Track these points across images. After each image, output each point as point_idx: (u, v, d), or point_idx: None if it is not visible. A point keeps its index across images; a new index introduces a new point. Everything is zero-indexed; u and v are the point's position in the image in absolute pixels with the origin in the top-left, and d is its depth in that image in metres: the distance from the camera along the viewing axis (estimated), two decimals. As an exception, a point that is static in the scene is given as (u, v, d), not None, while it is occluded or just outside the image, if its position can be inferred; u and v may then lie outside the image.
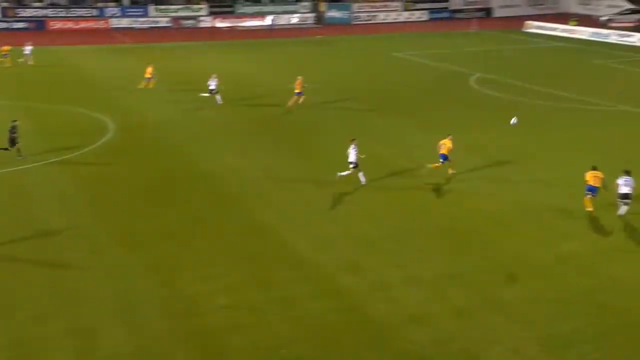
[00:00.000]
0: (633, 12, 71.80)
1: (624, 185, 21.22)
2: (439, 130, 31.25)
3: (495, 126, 32.51)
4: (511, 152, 28.29)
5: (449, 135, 25.73)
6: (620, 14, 72.12)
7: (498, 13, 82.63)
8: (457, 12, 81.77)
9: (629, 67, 47.96)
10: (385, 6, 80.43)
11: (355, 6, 78.66)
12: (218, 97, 36.09)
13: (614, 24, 69.07)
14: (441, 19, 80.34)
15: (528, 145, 29.21)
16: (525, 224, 21.29)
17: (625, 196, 21.18)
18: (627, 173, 21.53)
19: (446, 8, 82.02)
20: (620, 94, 38.73)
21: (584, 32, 64.05)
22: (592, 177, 21.63)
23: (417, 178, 25.12)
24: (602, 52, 54.54)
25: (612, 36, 61.02)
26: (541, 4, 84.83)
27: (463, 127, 32.52)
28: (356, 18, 78.13)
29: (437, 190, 24.16)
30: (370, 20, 78.69)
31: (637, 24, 64.27)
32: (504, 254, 19.25)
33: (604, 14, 74.93)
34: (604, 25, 69.20)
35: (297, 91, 35.44)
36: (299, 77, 36.02)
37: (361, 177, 24.30)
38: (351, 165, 24.27)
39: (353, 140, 24.67)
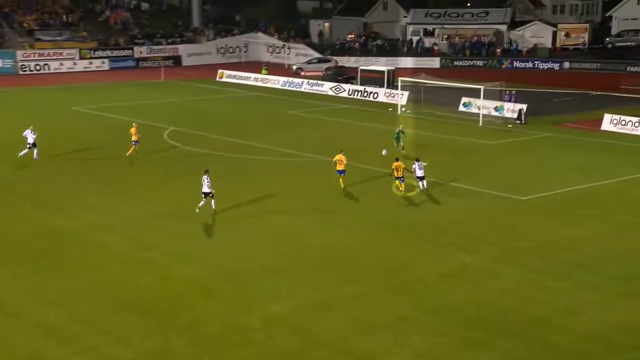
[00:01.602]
0: (320, 61, 79.42)
1: (418, 169, 31.33)
2: (126, 191, 31.47)
3: (191, 186, 33.43)
4: (207, 211, 29.26)
5: (341, 150, 32.31)
6: (309, 62, 79.31)
7: (188, 61, 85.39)
8: (143, 61, 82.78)
9: (321, 117, 52.74)
10: (58, 54, 78.36)
11: (20, 54, 75.44)
12: (35, 151, 36.62)
13: (304, 73, 75.66)
14: (125, 68, 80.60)
15: (225, 202, 30.46)
16: (229, 287, 22.11)
17: (421, 178, 31.43)
18: (418, 160, 31.63)
19: (131, 56, 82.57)
20: (314, 144, 42.34)
21: (277, 81, 69.01)
22: (395, 168, 30.96)
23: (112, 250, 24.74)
24: (296, 102, 59.24)
25: (305, 85, 66.69)
26: (232, 52, 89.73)
27: (159, 185, 32.94)
28: (23, 67, 75.00)
29: (126, 260, 24.05)
30: (41, 70, 76.05)
31: (326, 72, 71.02)
32: (211, 323, 19.74)
33: (294, 62, 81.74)
34: (296, 73, 75.40)
35: (134, 139, 37.56)
36: (135, 124, 38.48)
37: (212, 204, 28.48)
38: (203, 196, 28.17)
39: (206, 171, 28.47)
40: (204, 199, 28.40)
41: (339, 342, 18.88)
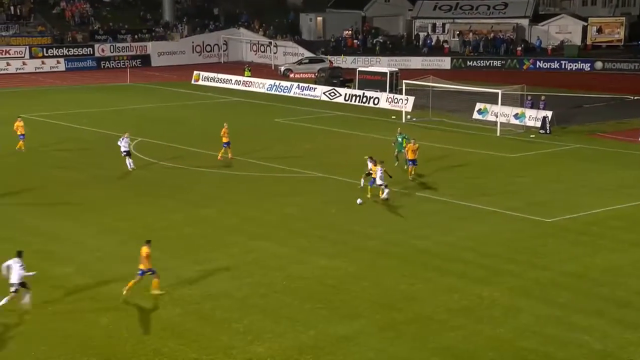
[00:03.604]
0: (312, 61, 79.62)
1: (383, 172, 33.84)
2: (83, 214, 31.43)
3: (162, 207, 33.35)
4: (178, 236, 29.18)
5: (412, 139, 37.69)
6: (299, 63, 79.53)
7: (158, 61, 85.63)
8: (106, 61, 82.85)
9: (313, 125, 52.78)
10: (4, 52, 78.44)
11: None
12: (130, 161, 38.46)
13: (293, 75, 75.83)
14: (85, 68, 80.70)
15: (197, 227, 30.41)
16: (204, 327, 21.96)
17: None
18: (379, 164, 33.81)
19: (91, 55, 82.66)
20: (305, 158, 42.37)
21: (262, 85, 69.17)
22: (374, 171, 33.53)
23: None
24: (284, 108, 59.29)
25: (294, 89, 66.83)
26: (209, 51, 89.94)
27: (124, 206, 32.90)
28: (-39, 68, 75.47)
29: (83, 296, 23.98)
30: (-16, 71, 76.39)
31: (319, 75, 71.00)
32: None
33: (282, 63, 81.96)
34: (284, 75, 75.59)
35: (224, 141, 40.74)
36: (225, 125, 41.11)
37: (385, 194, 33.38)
38: (384, 187, 33.60)
39: (381, 162, 33.76)
40: (384, 190, 32.98)
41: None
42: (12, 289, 22.23)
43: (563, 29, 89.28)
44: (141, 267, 23.45)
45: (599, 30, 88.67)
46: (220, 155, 41.16)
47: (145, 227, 30.19)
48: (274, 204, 33.64)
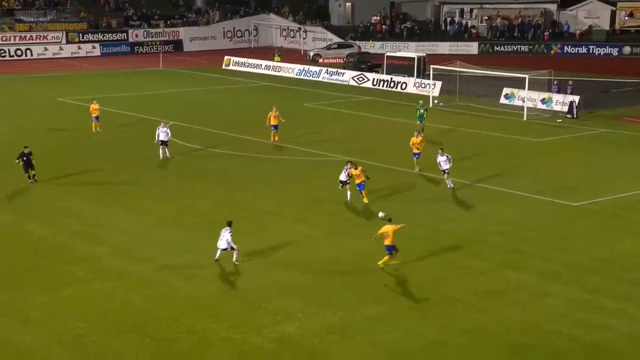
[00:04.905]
0: (341, 46, 79.39)
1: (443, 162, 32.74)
2: (116, 196, 31.84)
3: (194, 187, 33.50)
4: (213, 218, 29.33)
5: (415, 132, 36.58)
6: (328, 48, 79.33)
7: (190, 46, 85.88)
8: (139, 46, 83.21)
9: (342, 110, 52.70)
10: (42, 37, 78.93)
11: (-5, 37, 76.57)
12: (166, 150, 37.70)
13: (322, 60, 75.66)
14: (119, 53, 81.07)
15: (228, 210, 30.50)
16: (236, 306, 22.11)
17: (444, 171, 32.82)
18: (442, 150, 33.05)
19: (125, 40, 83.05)
20: (335, 142, 42.34)
21: (291, 70, 69.10)
22: (355, 174, 30.97)
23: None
24: (313, 93, 59.25)
25: (323, 74, 66.68)
26: (240, 36, 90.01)
27: (155, 189, 33.09)
28: (2, 53, 76.30)
29: (118, 275, 24.12)
30: (22, 55, 76.83)
31: (347, 60, 70.73)
32: (216, 347, 19.77)
33: (311, 48, 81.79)
34: (313, 61, 75.45)
35: (272, 124, 40.61)
36: (274, 108, 40.91)
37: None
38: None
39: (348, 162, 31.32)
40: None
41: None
42: (218, 252, 24.86)
43: (591, 14, 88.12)
44: (387, 243, 24.53)
45: (630, 15, 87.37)
46: (272, 139, 41.29)
47: (181, 210, 30.37)
48: (307, 187, 33.64)
